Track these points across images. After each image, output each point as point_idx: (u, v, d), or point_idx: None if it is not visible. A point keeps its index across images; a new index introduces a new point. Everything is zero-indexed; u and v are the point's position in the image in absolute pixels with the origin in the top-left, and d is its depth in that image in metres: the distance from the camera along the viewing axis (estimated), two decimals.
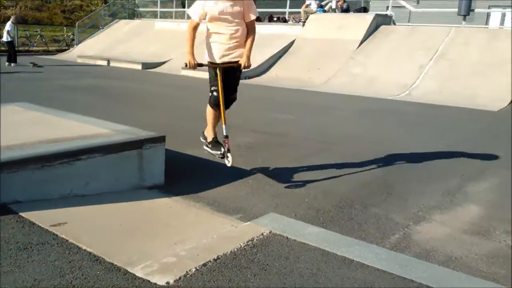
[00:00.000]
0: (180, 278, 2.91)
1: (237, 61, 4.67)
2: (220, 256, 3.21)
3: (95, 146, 4.28)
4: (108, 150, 4.33)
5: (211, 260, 3.15)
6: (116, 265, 3.01)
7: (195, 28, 4.65)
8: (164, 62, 18.98)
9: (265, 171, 5.45)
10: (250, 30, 4.69)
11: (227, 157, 4.73)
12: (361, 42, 15.82)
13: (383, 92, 12.87)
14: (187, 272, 2.98)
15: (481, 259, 3.47)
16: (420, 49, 14.60)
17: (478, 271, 3.28)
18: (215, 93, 4.68)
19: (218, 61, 4.68)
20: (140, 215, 4.01)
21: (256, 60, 16.59)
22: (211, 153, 4.97)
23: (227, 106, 4.77)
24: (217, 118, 4.88)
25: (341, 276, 3.02)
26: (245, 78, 15.63)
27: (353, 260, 3.23)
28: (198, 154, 6.01)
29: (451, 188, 5.05)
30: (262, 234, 3.59)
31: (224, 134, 4.71)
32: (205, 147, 5.04)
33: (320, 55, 16.06)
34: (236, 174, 5.22)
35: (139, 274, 2.92)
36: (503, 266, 3.36)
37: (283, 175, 5.31)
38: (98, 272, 2.91)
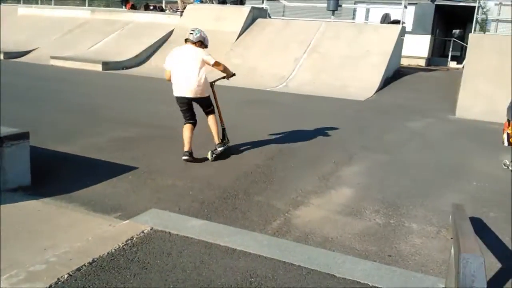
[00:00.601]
0: (51, 286, 2.66)
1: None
2: (96, 259, 3.00)
3: None
4: None
5: (86, 264, 2.93)
6: None
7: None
8: (30, 51, 17.31)
9: (147, 165, 5.23)
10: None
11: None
12: (240, 34, 16.06)
13: (262, 83, 13.23)
14: (58, 279, 2.74)
15: (354, 237, 3.72)
16: (295, 42, 15.26)
17: (352, 249, 3.52)
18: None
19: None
20: (3, 220, 3.57)
21: (134, 50, 15.96)
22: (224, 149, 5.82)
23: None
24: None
25: (224, 266, 3.01)
26: (123, 69, 14.95)
27: (235, 249, 3.24)
28: (71, 150, 5.58)
29: (325, 173, 5.35)
30: (142, 231, 3.43)
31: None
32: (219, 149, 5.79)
33: None
34: (114, 170, 4.94)
35: (4, 285, 2.61)
36: (374, 243, 3.64)
37: (166, 169, 5.15)
38: None
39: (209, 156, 5.63)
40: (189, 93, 5.51)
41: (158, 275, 2.86)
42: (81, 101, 9.17)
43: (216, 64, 5.55)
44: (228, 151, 5.89)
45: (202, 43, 5.57)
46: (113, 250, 3.13)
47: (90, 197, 4.18)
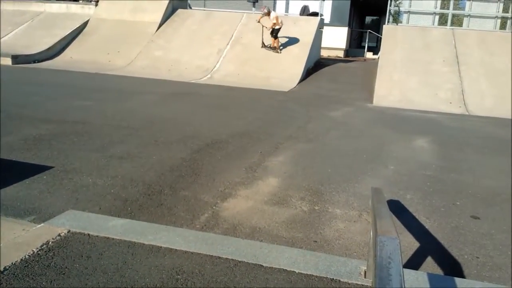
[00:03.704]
0: None
1: None
2: (8, 267, 2.76)
3: None
4: None
5: None
6: None
7: (260, 17, 14.34)
8: None
9: (62, 164, 4.93)
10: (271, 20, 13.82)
11: None
12: (160, 25, 15.67)
13: (186, 76, 13.03)
14: None
15: (281, 226, 3.76)
16: (218, 34, 15.19)
17: (280, 237, 3.55)
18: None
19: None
20: None
21: (46, 42, 15.02)
22: None
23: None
24: None
25: (149, 266, 2.90)
26: (34, 62, 14.01)
27: (161, 247, 3.14)
28: None
29: (252, 164, 5.37)
30: (59, 235, 3.22)
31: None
32: None
33: (118, 37, 15.36)
34: (27, 170, 4.60)
35: None
36: (300, 230, 3.70)
37: (84, 167, 4.88)
38: None
39: None
40: None
41: (77, 280, 2.69)
42: None
43: None
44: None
45: None
46: (27, 256, 2.90)
47: (0, 201, 3.84)
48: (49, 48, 14.72)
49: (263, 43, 14.55)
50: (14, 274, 2.71)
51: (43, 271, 2.76)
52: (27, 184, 4.30)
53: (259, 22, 14.41)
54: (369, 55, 21.51)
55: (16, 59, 13.66)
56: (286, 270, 2.94)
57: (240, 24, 15.55)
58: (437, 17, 18.23)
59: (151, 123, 7.18)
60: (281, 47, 14.56)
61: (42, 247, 3.03)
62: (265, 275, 2.88)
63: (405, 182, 5.09)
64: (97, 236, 3.25)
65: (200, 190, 4.45)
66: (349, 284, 2.83)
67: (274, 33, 14.27)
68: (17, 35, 15.85)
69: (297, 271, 2.94)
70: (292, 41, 14.64)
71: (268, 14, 14.29)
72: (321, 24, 15.93)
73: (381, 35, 15.78)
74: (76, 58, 14.62)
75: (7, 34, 15.85)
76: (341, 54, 20.89)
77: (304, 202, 4.30)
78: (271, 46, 14.46)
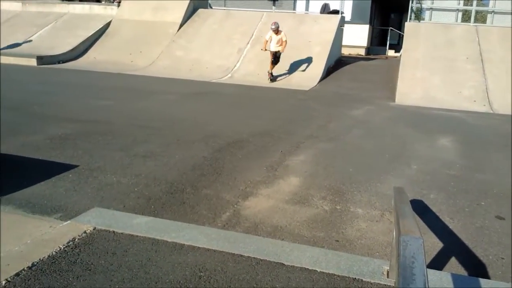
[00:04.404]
0: None
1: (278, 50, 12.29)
2: (36, 263, 2.84)
3: None
4: None
5: (25, 268, 2.77)
6: None
7: (266, 41, 12.64)
8: None
9: (87, 163, 5.03)
10: (284, 41, 12.56)
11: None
12: (181, 25, 15.79)
13: (207, 75, 13.11)
14: None
15: (302, 225, 3.76)
16: (238, 33, 15.23)
17: (301, 236, 3.56)
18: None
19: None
20: None
21: (70, 43, 15.29)
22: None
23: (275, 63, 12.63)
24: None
25: (172, 263, 2.94)
26: (58, 62, 14.30)
27: (184, 245, 3.18)
28: (6, 150, 5.27)
29: (273, 163, 5.38)
30: (85, 232, 3.29)
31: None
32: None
33: (140, 38, 15.55)
34: (53, 169, 4.71)
35: None
36: (321, 229, 3.70)
37: (108, 166, 4.97)
38: None
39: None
40: None
41: (102, 276, 2.75)
42: (14, 97, 8.66)
43: None
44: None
45: None
46: (54, 253, 2.97)
47: (28, 199, 3.95)
48: (73, 49, 14.99)
49: (271, 74, 12.83)
50: (42, 269, 2.78)
51: (69, 267, 2.83)
52: (53, 182, 4.40)
53: (265, 50, 12.60)
54: (390, 53, 21.25)
55: (41, 59, 13.96)
56: (307, 269, 2.95)
57: (260, 23, 15.55)
58: (460, 14, 17.90)
59: (173, 123, 7.26)
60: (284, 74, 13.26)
61: (69, 244, 3.11)
62: (287, 273, 2.89)
63: (428, 181, 5.03)
64: (121, 233, 3.31)
65: (221, 188, 4.49)
66: (371, 283, 2.82)
67: (278, 56, 12.69)
68: (41, 37, 16.19)
69: (318, 270, 2.94)
70: (313, 39, 14.57)
71: (277, 31, 12.46)
72: (342, 22, 15.81)
73: (403, 32, 15.58)
74: (99, 58, 14.86)
75: (32, 36, 16.21)
76: (362, 52, 20.70)
77: (325, 202, 4.29)
78: (269, 71, 12.74)
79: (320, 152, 6.01)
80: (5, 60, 13.91)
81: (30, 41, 15.81)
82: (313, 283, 2.80)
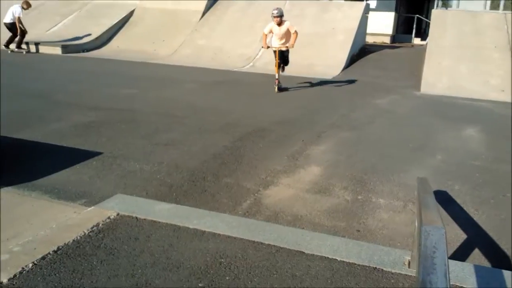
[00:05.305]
0: (15, 275, 2.59)
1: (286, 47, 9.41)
2: (61, 247, 2.91)
3: None
4: None
5: (51, 252, 2.85)
6: None
7: (265, 36, 9.41)
8: None
9: (111, 150, 5.11)
10: (293, 34, 9.24)
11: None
12: (203, 14, 15.77)
13: (229, 64, 13.09)
14: (23, 268, 2.66)
15: (323, 214, 3.75)
16: (260, 22, 15.09)
17: (321, 226, 3.55)
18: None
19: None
20: None
21: (94, 32, 15.46)
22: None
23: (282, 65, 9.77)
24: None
25: (193, 249, 2.98)
26: (83, 51, 14.49)
27: (205, 231, 3.21)
28: (32, 137, 5.39)
29: (294, 153, 5.37)
30: (108, 217, 3.35)
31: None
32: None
33: (163, 26, 15.61)
34: (78, 156, 4.81)
35: None
36: (342, 219, 3.68)
37: (131, 153, 5.04)
38: None
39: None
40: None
41: (125, 260, 2.80)
42: (40, 86, 8.84)
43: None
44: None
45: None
46: (78, 237, 3.05)
47: (53, 185, 4.05)
48: (97, 38, 15.15)
49: (278, 80, 9.41)
50: (66, 253, 2.86)
51: (93, 251, 2.89)
52: (77, 169, 4.50)
53: (268, 48, 9.44)
54: (416, 41, 20.81)
55: (66, 48, 14.17)
56: (328, 257, 2.94)
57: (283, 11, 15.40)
58: (488, 2, 17.37)
59: (195, 111, 7.30)
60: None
61: (93, 229, 3.17)
62: (307, 261, 2.89)
63: (453, 172, 4.94)
64: (144, 219, 3.37)
65: (242, 177, 4.50)
66: (392, 273, 2.80)
67: (287, 56, 9.56)
68: (65, 25, 16.40)
69: (339, 259, 2.93)
70: (336, 27, 14.36)
71: (280, 21, 9.14)
72: (367, 9, 15.53)
73: (430, 20, 15.22)
74: (122, 47, 15.00)
75: (56, 24, 16.43)
76: (387, 40, 20.33)
77: (346, 191, 4.26)
78: (276, 77, 9.38)
79: (342, 142, 5.96)
80: (32, 48, 14.20)
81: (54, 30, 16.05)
82: (333, 271, 2.80)
